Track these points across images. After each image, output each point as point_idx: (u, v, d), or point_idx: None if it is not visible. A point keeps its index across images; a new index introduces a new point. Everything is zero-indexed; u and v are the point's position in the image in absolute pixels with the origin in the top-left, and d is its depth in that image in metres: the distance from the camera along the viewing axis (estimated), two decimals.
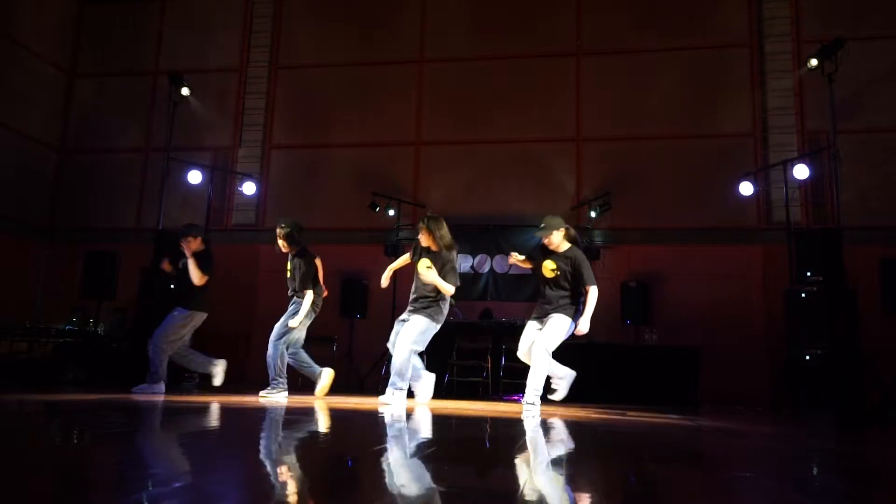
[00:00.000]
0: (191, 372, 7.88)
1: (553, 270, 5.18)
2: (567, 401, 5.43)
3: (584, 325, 5.09)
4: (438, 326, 5.29)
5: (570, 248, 5.21)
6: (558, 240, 5.18)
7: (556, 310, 5.13)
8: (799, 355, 6.58)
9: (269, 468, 1.97)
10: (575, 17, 9.67)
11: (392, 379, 5.16)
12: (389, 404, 4.96)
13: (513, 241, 9.03)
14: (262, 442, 2.65)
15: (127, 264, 8.40)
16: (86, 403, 4.13)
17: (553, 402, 5.32)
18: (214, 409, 4.19)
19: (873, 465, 2.66)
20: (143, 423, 3.31)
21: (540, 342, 5.11)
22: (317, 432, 3.19)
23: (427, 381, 5.37)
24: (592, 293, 5.06)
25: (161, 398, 4.90)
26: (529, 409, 4.93)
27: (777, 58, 9.02)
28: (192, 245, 5.66)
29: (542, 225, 5.21)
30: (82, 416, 3.36)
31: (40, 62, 10.42)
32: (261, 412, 4.04)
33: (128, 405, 4.08)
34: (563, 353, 7.98)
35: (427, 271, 5.19)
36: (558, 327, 5.09)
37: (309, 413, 4.23)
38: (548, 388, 5.23)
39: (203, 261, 5.65)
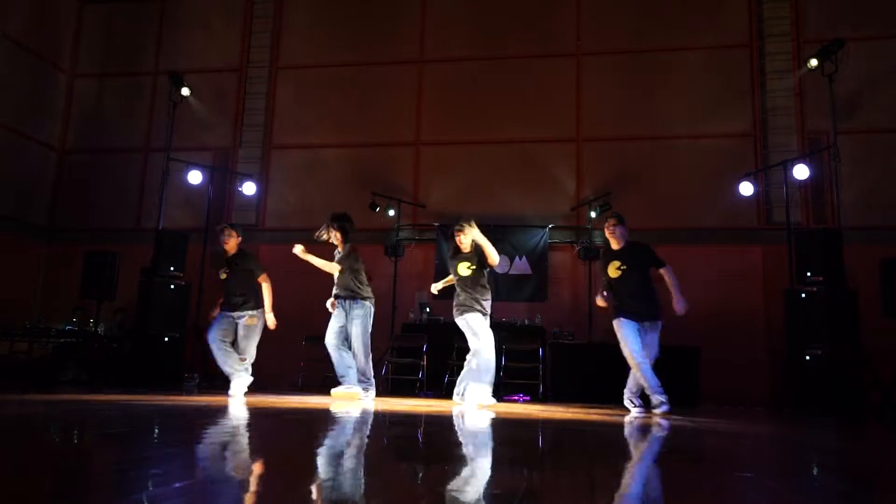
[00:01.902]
0: (190, 372, 7.91)
1: (619, 269, 5.25)
2: (567, 401, 5.43)
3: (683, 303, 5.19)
4: None
5: (627, 243, 5.34)
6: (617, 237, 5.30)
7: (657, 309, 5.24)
8: (799, 355, 6.57)
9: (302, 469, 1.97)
10: (575, 17, 9.67)
11: (487, 377, 5.38)
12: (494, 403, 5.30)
13: (513, 240, 9.04)
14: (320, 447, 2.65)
15: (127, 264, 8.39)
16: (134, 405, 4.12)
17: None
18: (220, 409, 4.19)
19: (873, 465, 2.66)
20: (148, 423, 3.31)
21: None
22: (317, 433, 3.19)
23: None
24: (670, 272, 5.23)
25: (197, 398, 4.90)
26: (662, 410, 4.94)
27: (777, 58, 9.01)
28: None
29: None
30: (86, 417, 3.36)
31: (40, 62, 10.42)
32: (283, 413, 4.04)
33: (138, 407, 4.08)
34: (563, 353, 8.00)
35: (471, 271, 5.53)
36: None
37: (313, 414, 4.23)
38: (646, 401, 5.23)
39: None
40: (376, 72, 10.11)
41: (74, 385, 6.82)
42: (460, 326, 5.54)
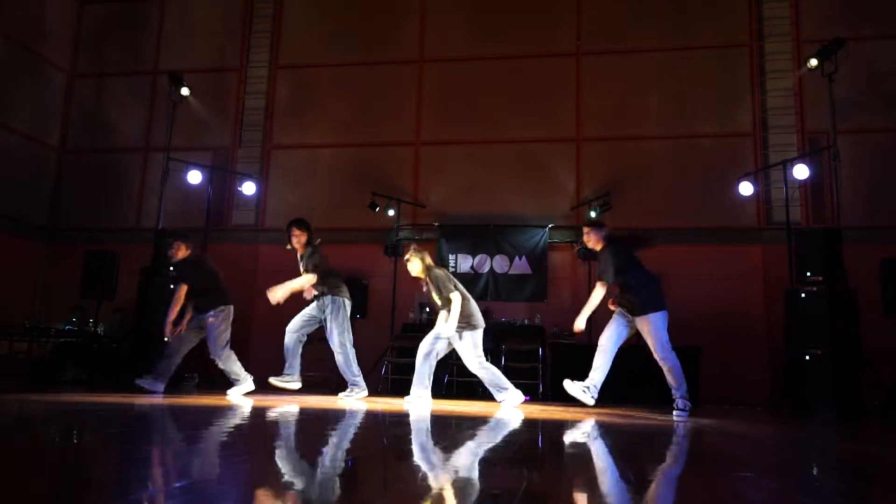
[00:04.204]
0: (190, 371, 7.91)
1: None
2: (568, 401, 5.43)
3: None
4: None
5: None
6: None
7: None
8: (799, 355, 6.56)
9: (278, 467, 1.97)
10: (575, 17, 9.67)
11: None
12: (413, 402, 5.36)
13: (513, 240, 9.04)
14: (277, 442, 2.65)
15: (127, 264, 8.38)
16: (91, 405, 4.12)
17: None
18: (215, 409, 4.19)
19: (873, 465, 2.66)
20: (148, 422, 3.31)
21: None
22: (319, 432, 3.19)
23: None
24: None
25: (161, 398, 4.90)
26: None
27: (777, 58, 9.02)
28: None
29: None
30: (83, 417, 3.36)
31: (40, 62, 10.42)
32: (271, 412, 4.04)
33: (138, 407, 4.08)
34: (563, 353, 7.99)
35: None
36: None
37: (317, 412, 4.23)
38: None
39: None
40: (376, 72, 10.11)
41: (74, 385, 6.81)
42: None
